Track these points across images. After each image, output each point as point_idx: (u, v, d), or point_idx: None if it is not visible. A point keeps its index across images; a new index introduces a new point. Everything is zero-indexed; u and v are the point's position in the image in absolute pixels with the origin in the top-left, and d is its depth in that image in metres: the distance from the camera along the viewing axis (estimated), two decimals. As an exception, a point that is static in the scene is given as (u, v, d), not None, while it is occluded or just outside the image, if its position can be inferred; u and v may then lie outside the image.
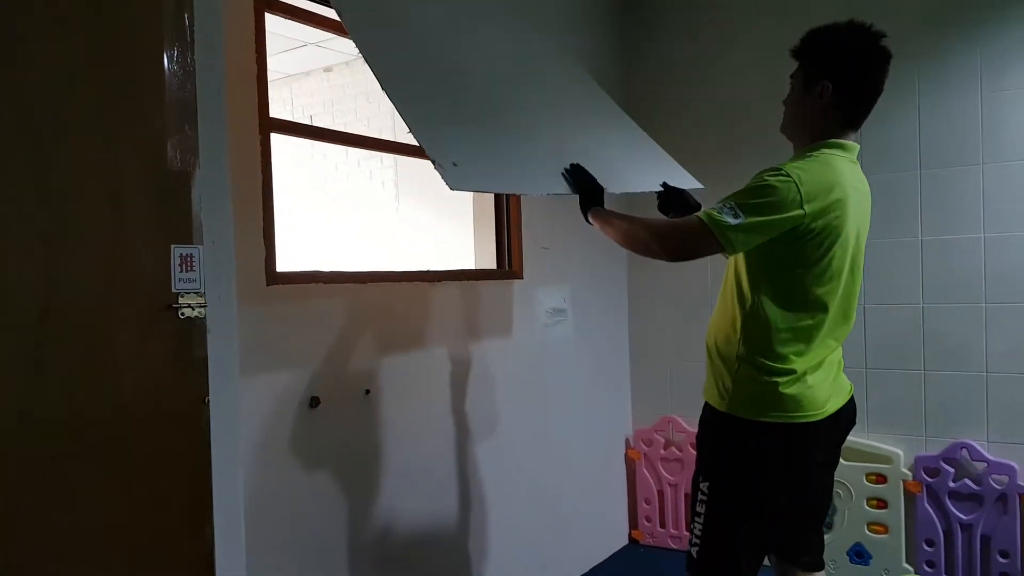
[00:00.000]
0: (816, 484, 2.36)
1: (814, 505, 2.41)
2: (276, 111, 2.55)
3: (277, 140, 2.52)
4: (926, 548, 3.57)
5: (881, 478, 3.66)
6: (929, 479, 3.56)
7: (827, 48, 2.17)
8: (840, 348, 2.29)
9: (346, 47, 5.62)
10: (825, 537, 3.65)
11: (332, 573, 2.65)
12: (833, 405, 2.20)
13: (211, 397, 1.83)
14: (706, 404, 2.30)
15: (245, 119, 2.38)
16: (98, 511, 1.65)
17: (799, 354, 2.12)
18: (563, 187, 2.45)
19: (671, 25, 4.30)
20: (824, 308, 2.13)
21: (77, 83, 1.62)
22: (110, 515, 1.66)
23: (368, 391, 2.77)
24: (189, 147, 1.80)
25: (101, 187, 1.65)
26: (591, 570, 4.06)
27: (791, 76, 2.26)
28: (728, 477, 2.19)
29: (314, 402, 2.57)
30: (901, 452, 3.64)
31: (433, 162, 2.04)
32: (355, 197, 6.13)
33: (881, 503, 3.66)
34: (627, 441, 4.44)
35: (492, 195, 3.56)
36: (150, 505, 1.74)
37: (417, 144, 2.14)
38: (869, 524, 3.69)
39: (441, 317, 3.12)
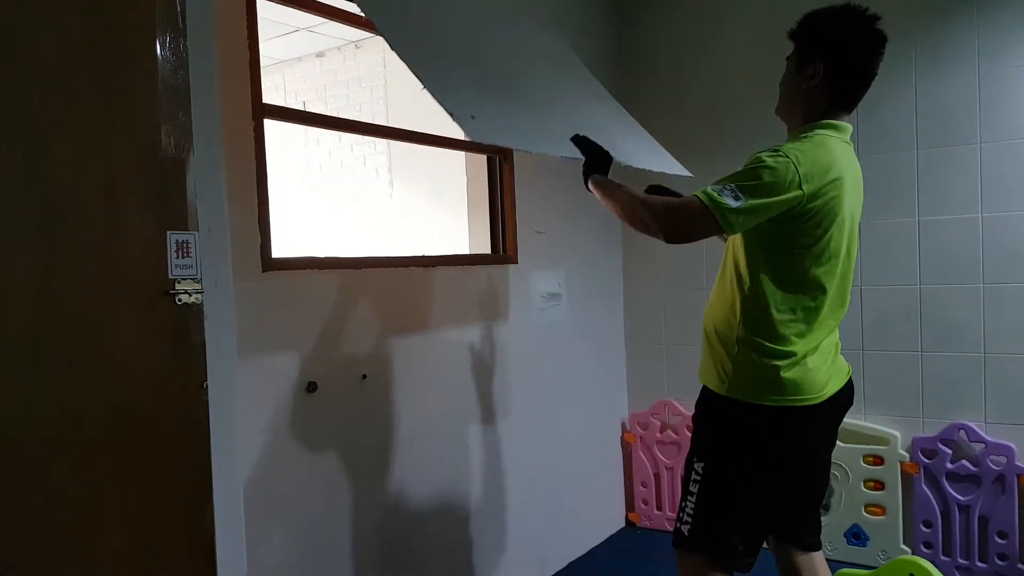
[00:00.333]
0: (815, 466, 2.37)
1: (813, 487, 2.42)
2: (269, 97, 2.54)
3: (270, 126, 2.51)
4: (923, 529, 3.58)
5: (878, 460, 3.67)
6: (926, 460, 3.57)
7: (822, 30, 2.18)
8: (837, 330, 2.29)
9: (338, 32, 5.60)
10: (823, 519, 3.68)
11: (332, 557, 2.66)
12: (832, 387, 2.21)
13: (209, 382, 1.83)
14: (704, 387, 2.30)
15: (238, 105, 2.36)
16: (98, 498, 1.64)
17: (800, 336, 2.12)
18: (575, 152, 2.43)
19: (663, 7, 4.28)
20: (823, 289, 2.13)
21: (71, 71, 1.61)
22: (110, 501, 1.66)
23: (365, 376, 2.77)
24: (183, 134, 1.79)
25: (96, 175, 1.64)
26: (588, 552, 4.08)
27: (787, 58, 2.27)
28: (726, 459, 2.20)
29: (311, 387, 2.56)
30: (898, 434, 3.65)
31: (451, 115, 2.03)
32: (349, 183, 6.11)
33: (878, 485, 3.67)
34: (623, 424, 4.45)
35: (486, 178, 3.55)
36: (150, 491, 1.73)
37: (433, 100, 2.12)
38: (866, 506, 3.70)
39: (436, 302, 3.11)
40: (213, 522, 1.85)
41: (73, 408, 1.59)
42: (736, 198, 1.96)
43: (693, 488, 2.23)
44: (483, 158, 3.56)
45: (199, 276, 1.79)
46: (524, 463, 3.61)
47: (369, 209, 5.93)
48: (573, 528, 3.99)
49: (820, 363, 2.17)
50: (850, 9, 2.16)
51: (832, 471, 3.70)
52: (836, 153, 2.10)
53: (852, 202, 2.16)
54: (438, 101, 2.07)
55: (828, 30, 2.17)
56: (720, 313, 2.24)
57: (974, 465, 3.47)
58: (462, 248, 3.61)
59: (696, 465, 2.23)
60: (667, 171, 2.89)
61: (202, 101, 1.86)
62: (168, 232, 1.74)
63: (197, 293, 1.78)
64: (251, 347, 2.37)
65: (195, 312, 1.79)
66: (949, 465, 3.52)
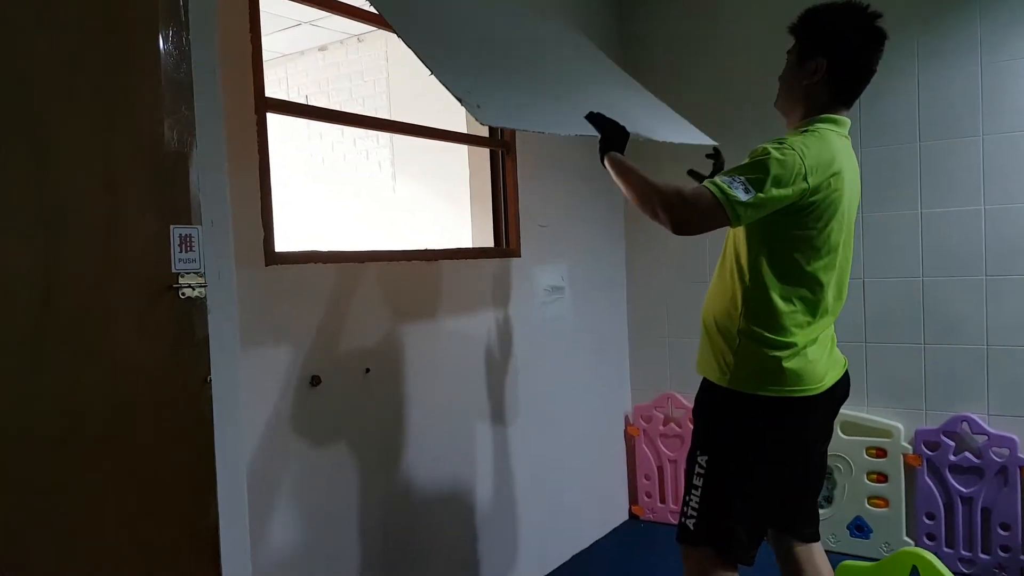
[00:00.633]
0: (813, 457, 2.38)
1: (811, 478, 2.43)
2: (271, 91, 2.53)
3: (273, 120, 2.51)
4: (926, 521, 3.59)
5: (881, 452, 3.67)
6: (929, 452, 3.57)
7: (823, 26, 2.19)
8: (833, 323, 2.30)
9: (340, 26, 5.59)
10: (826, 511, 3.69)
11: (336, 551, 2.66)
12: (831, 379, 2.22)
13: (213, 376, 1.83)
14: (704, 380, 2.30)
15: (241, 99, 2.36)
16: (101, 493, 1.65)
17: (800, 328, 2.13)
18: (589, 129, 2.42)
19: (662, 3, 4.27)
20: (822, 282, 2.15)
21: (72, 66, 1.61)
22: (113, 497, 1.67)
23: (368, 370, 2.77)
24: (186, 128, 1.79)
25: (98, 170, 1.64)
26: (592, 545, 4.08)
27: (788, 52, 2.28)
28: (728, 451, 2.20)
29: (315, 381, 2.57)
30: (901, 426, 3.65)
31: (460, 100, 2.02)
32: (352, 177, 6.11)
33: (881, 477, 3.68)
34: (626, 418, 4.46)
35: (488, 172, 3.54)
36: (153, 488, 1.74)
37: (443, 86, 2.10)
38: (869, 498, 3.70)
39: (439, 296, 3.11)
40: (217, 519, 1.86)
41: (75, 405, 1.60)
42: (746, 191, 1.96)
43: (697, 482, 2.23)
44: (486, 152, 3.55)
45: (202, 270, 1.79)
46: (527, 456, 3.61)
47: (372, 203, 5.94)
48: (576, 521, 4.00)
49: (819, 354, 2.18)
50: (852, 6, 2.17)
51: (835, 463, 3.71)
52: (837, 147, 2.11)
53: (850, 196, 2.18)
54: (445, 86, 2.06)
55: (830, 26, 2.18)
56: (720, 305, 2.24)
57: (977, 457, 3.47)
58: (465, 242, 3.61)
59: (699, 459, 2.24)
60: (690, 142, 2.87)
61: (205, 95, 1.86)
62: (171, 226, 1.74)
63: (200, 287, 1.78)
64: (254, 341, 2.37)
65: (198, 306, 1.79)
66: (952, 457, 3.52)
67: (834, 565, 2.48)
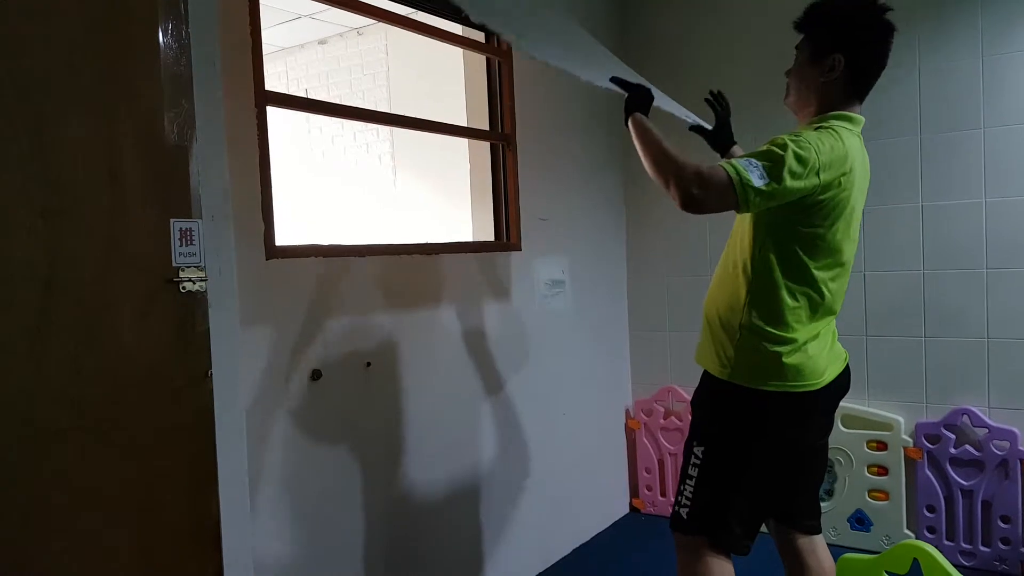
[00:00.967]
0: (812, 451, 2.37)
1: (811, 471, 2.43)
2: (271, 85, 2.53)
3: (273, 114, 2.50)
4: (927, 514, 3.59)
5: (882, 445, 3.67)
6: (930, 445, 3.57)
7: (838, 22, 2.15)
8: (835, 318, 2.29)
9: (340, 19, 5.59)
10: (826, 504, 3.70)
11: (337, 544, 2.66)
12: (831, 374, 2.21)
13: (213, 370, 1.83)
14: (704, 372, 2.30)
15: (240, 93, 2.36)
16: (103, 485, 1.65)
17: (801, 323, 2.12)
18: (616, 88, 2.41)
19: (664, 2, 4.27)
20: (826, 280, 2.14)
21: (74, 59, 1.61)
22: (115, 490, 1.67)
23: (369, 364, 2.77)
24: (186, 121, 1.79)
25: (100, 163, 1.64)
26: (593, 538, 4.09)
27: (796, 48, 2.25)
28: (724, 443, 2.20)
29: (316, 375, 2.57)
30: (902, 419, 3.65)
31: (498, 36, 2.02)
32: (352, 170, 6.11)
33: (882, 470, 3.68)
34: (627, 411, 4.46)
35: (489, 165, 3.54)
36: (155, 479, 1.74)
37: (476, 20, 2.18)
38: (870, 491, 3.70)
39: (439, 290, 3.11)
40: (219, 511, 1.86)
41: (76, 398, 1.60)
42: (761, 177, 1.93)
43: (692, 472, 2.24)
44: (486, 145, 3.55)
45: (203, 264, 1.79)
46: (528, 450, 3.61)
47: (372, 196, 5.93)
48: (577, 515, 4.00)
49: (820, 350, 2.18)
50: None
51: (835, 456, 3.71)
52: (851, 145, 2.08)
53: (859, 196, 2.16)
54: (483, 23, 2.10)
55: (845, 21, 2.14)
56: (723, 298, 2.24)
57: (977, 450, 3.47)
58: (465, 235, 3.61)
59: (696, 449, 2.24)
60: (688, 120, 2.83)
61: (205, 89, 1.86)
62: (171, 220, 1.75)
63: (201, 281, 1.78)
64: (255, 334, 2.37)
65: (199, 300, 1.79)
66: (952, 450, 3.52)
67: (834, 558, 2.48)
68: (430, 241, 3.11)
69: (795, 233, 2.08)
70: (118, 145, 1.67)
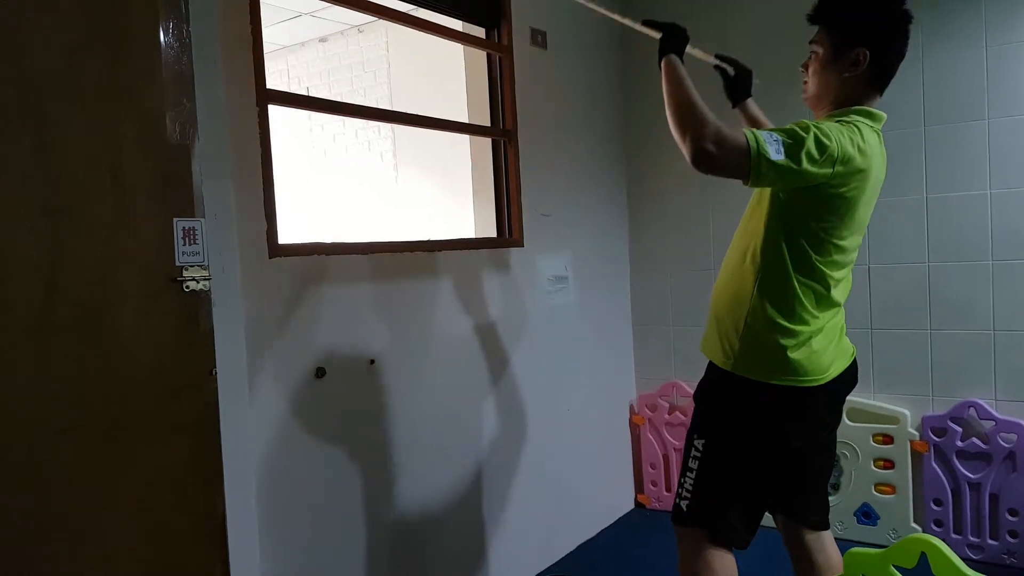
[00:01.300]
0: (816, 446, 2.36)
1: (817, 466, 2.41)
2: (273, 83, 2.53)
3: (275, 112, 2.50)
4: (934, 507, 3.58)
5: (888, 438, 3.66)
6: (936, 439, 3.57)
7: (860, 14, 2.11)
8: (843, 312, 2.28)
9: (340, 16, 5.58)
10: (833, 498, 3.69)
11: (342, 541, 2.66)
12: (836, 369, 2.19)
13: (218, 369, 1.83)
14: (709, 363, 2.29)
15: (242, 91, 2.35)
16: (107, 484, 1.65)
17: (807, 318, 2.11)
18: (650, 31, 2.37)
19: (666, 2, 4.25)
20: (832, 275, 2.12)
21: (75, 59, 1.61)
22: (120, 488, 1.67)
23: (372, 361, 2.77)
24: (188, 120, 1.79)
25: (102, 162, 1.64)
26: (598, 534, 4.08)
27: (812, 42, 2.20)
28: (725, 436, 2.19)
29: (320, 373, 2.57)
30: (908, 412, 3.64)
31: None
32: (354, 168, 6.11)
33: (888, 463, 3.67)
34: (631, 407, 4.45)
35: (491, 161, 3.54)
36: (160, 478, 1.74)
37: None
38: (876, 485, 3.70)
39: (442, 287, 3.11)
40: (225, 509, 1.86)
41: (81, 397, 1.60)
42: (778, 152, 1.89)
43: (692, 464, 2.23)
44: (488, 141, 3.54)
45: (206, 263, 1.79)
46: (533, 446, 3.61)
47: (374, 194, 5.93)
48: (582, 510, 4.00)
49: (825, 344, 2.16)
50: None
51: (842, 450, 3.70)
52: (869, 144, 2.04)
53: (869, 197, 2.12)
54: None
55: (869, 14, 2.11)
56: (730, 289, 2.22)
57: (984, 443, 3.46)
58: (468, 232, 3.61)
59: (696, 442, 2.23)
60: (711, 62, 2.76)
61: (206, 87, 1.86)
62: (174, 219, 1.74)
63: (204, 280, 1.78)
64: (259, 333, 2.36)
65: (203, 299, 1.79)
66: (959, 443, 3.52)
67: (841, 552, 2.47)
68: (433, 238, 3.11)
69: (805, 227, 2.05)
70: (120, 144, 1.67)
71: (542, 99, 3.70)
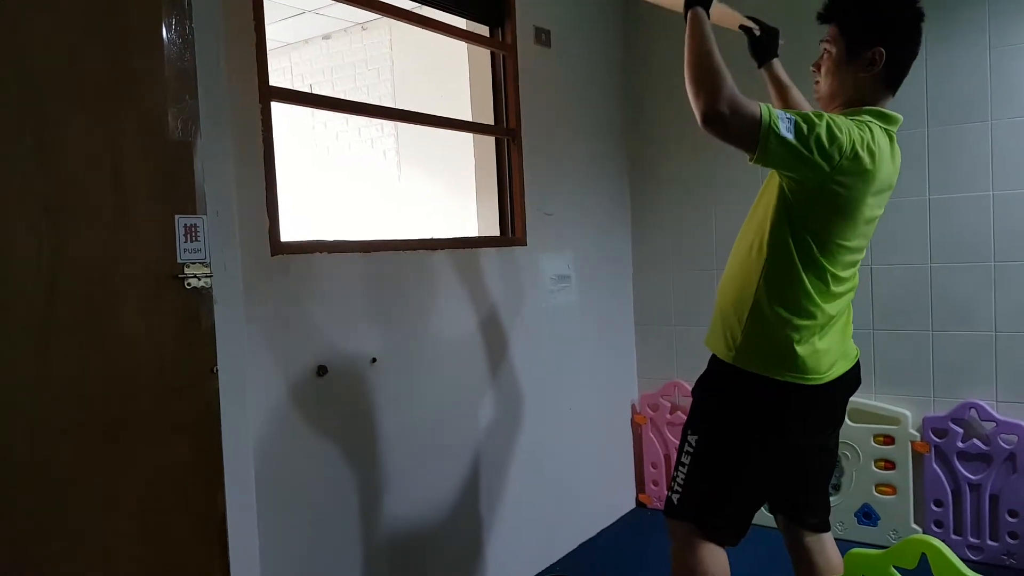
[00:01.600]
0: (818, 446, 2.35)
1: (817, 467, 2.40)
2: (276, 80, 2.52)
3: (278, 109, 2.50)
4: (934, 508, 3.58)
5: (889, 439, 3.66)
6: (937, 440, 3.56)
7: (875, 13, 2.10)
8: (850, 314, 2.27)
9: (344, 14, 5.58)
10: (833, 498, 3.68)
11: (342, 540, 2.66)
12: (837, 370, 2.18)
13: (219, 366, 1.83)
14: (711, 358, 2.29)
15: (245, 88, 2.35)
16: (108, 483, 1.65)
17: (812, 311, 2.09)
18: None
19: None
20: (837, 274, 2.11)
21: (76, 55, 1.61)
22: (120, 486, 1.67)
23: (374, 359, 2.77)
24: (190, 117, 1.79)
25: (104, 158, 1.64)
26: (598, 533, 4.08)
27: (824, 41, 2.18)
28: (718, 434, 2.19)
29: (321, 371, 2.57)
30: (909, 413, 3.63)
31: None
32: (357, 165, 6.11)
33: (889, 464, 3.67)
34: (633, 406, 4.45)
35: (494, 160, 3.54)
36: (161, 476, 1.74)
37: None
38: (877, 485, 3.69)
39: (445, 285, 3.11)
40: (225, 507, 1.86)
41: (82, 395, 1.60)
42: (788, 130, 1.87)
43: (684, 459, 2.23)
44: (491, 140, 3.54)
45: (208, 260, 1.79)
46: (534, 445, 3.61)
47: (377, 191, 5.93)
48: (583, 509, 4.00)
49: (829, 344, 2.15)
50: None
51: (842, 451, 3.70)
52: (880, 147, 2.03)
53: (876, 201, 2.11)
54: None
55: (884, 13, 2.09)
56: (736, 281, 2.20)
57: (985, 444, 3.46)
58: (470, 230, 3.60)
59: (689, 437, 2.23)
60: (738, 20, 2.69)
61: (209, 84, 1.85)
62: (176, 216, 1.74)
63: (206, 277, 1.78)
64: (260, 331, 2.36)
65: (204, 296, 1.79)
66: (960, 444, 3.51)
67: (841, 553, 2.47)
68: (435, 236, 3.11)
69: (809, 224, 2.04)
70: (121, 141, 1.67)
71: (545, 98, 3.70)
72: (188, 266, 1.75)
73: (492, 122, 3.51)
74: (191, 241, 1.75)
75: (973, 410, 3.49)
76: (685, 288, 4.29)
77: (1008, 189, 3.40)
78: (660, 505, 4.33)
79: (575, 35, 3.94)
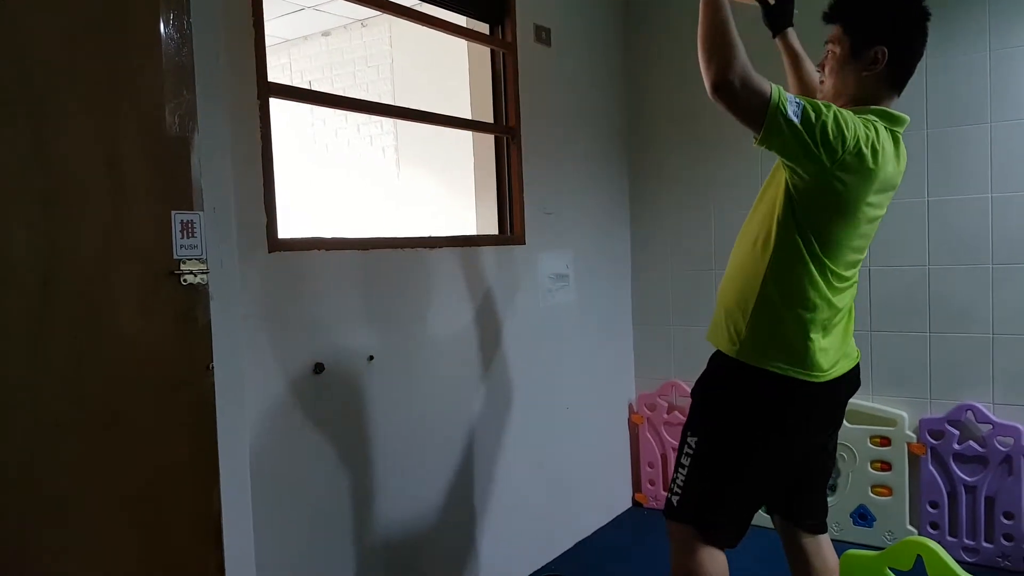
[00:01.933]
0: (817, 447, 2.35)
1: (815, 468, 2.40)
2: (274, 77, 2.52)
3: (276, 106, 2.49)
4: (930, 510, 3.58)
5: (885, 441, 3.66)
6: (934, 441, 3.56)
7: (878, 12, 2.10)
8: (852, 316, 2.27)
9: (344, 10, 5.57)
10: (829, 499, 3.68)
11: (338, 536, 2.66)
12: (839, 370, 2.18)
13: (215, 363, 1.83)
14: (711, 357, 2.28)
15: (243, 84, 2.34)
16: (104, 478, 1.64)
17: (817, 304, 2.08)
18: None
19: (668, 5, 4.24)
20: (840, 272, 2.10)
21: (74, 49, 1.60)
22: (115, 481, 1.66)
23: (371, 357, 2.77)
24: (188, 112, 1.78)
25: (100, 154, 1.63)
26: (595, 532, 4.08)
27: (828, 41, 2.18)
28: (721, 432, 2.18)
29: (318, 368, 2.56)
30: (905, 414, 3.63)
31: None
32: (355, 162, 6.10)
33: (885, 465, 3.67)
34: (630, 406, 4.45)
35: (493, 158, 3.54)
36: (156, 473, 1.73)
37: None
38: (873, 486, 3.69)
39: (443, 283, 3.10)
40: (220, 505, 1.86)
41: (77, 390, 1.59)
42: (796, 113, 1.87)
43: (684, 461, 2.22)
44: (491, 138, 3.54)
45: (204, 256, 1.78)
46: (531, 444, 3.61)
47: (375, 189, 5.93)
48: (580, 508, 3.99)
49: (832, 343, 2.15)
50: None
51: (839, 452, 3.69)
52: (884, 148, 2.02)
53: (878, 200, 2.10)
54: None
55: (887, 12, 2.09)
56: (740, 276, 2.18)
57: (981, 446, 3.46)
58: (469, 229, 3.60)
59: (689, 439, 2.22)
60: None
61: (207, 79, 1.85)
62: (173, 212, 1.73)
63: (202, 273, 1.77)
64: (257, 328, 2.36)
65: (200, 292, 1.78)
66: (956, 446, 3.51)
67: (837, 554, 2.47)
68: (434, 234, 3.10)
69: (810, 221, 2.04)
70: (118, 136, 1.66)
71: (545, 96, 3.69)
72: (184, 262, 1.74)
73: (492, 120, 3.51)
74: (188, 237, 1.75)
75: (970, 412, 3.49)
76: (683, 288, 4.29)
77: (1007, 192, 3.40)
78: (656, 504, 4.33)
79: (575, 34, 3.93)
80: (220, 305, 1.84)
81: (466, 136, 3.70)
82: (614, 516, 4.29)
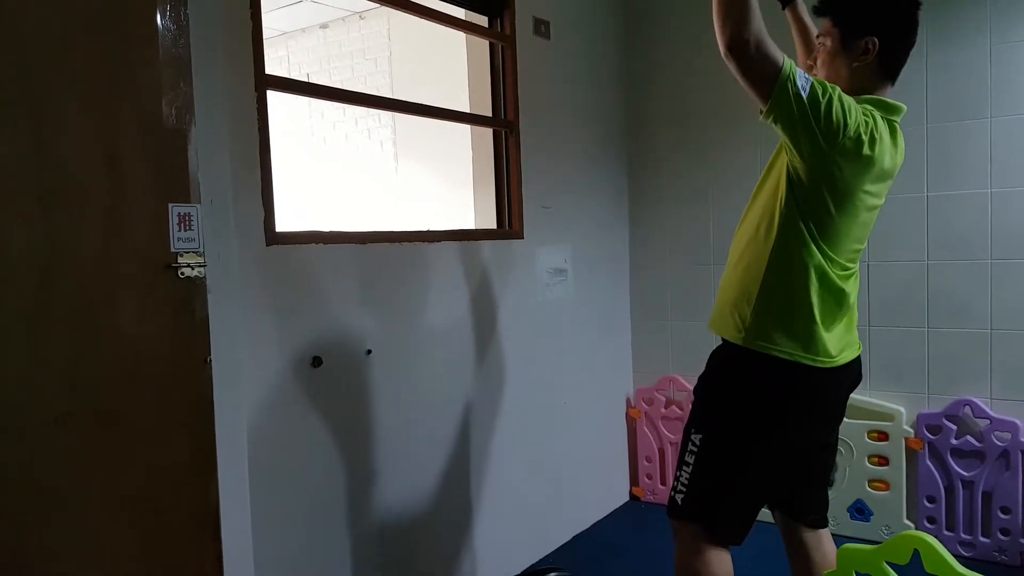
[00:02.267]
0: (820, 442, 2.35)
1: (817, 463, 2.40)
2: (272, 69, 2.51)
3: (274, 98, 2.48)
4: (927, 504, 3.58)
5: (883, 435, 3.66)
6: (931, 436, 3.57)
7: (867, 2, 2.11)
8: (855, 306, 2.26)
9: (342, 3, 5.56)
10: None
11: (335, 531, 2.66)
12: (845, 357, 2.18)
13: (213, 357, 1.82)
14: (713, 352, 2.27)
15: (241, 76, 2.34)
16: (100, 473, 1.64)
17: (821, 289, 2.08)
18: None
19: (670, 8, 4.23)
20: (841, 261, 2.10)
21: (71, 42, 1.59)
22: (112, 476, 1.66)
23: (369, 351, 2.76)
24: (185, 104, 1.77)
25: (97, 147, 1.62)
26: (592, 526, 4.09)
27: (819, 35, 2.19)
28: (725, 427, 2.17)
29: (316, 362, 2.56)
30: (903, 409, 3.64)
31: None
32: (354, 156, 6.09)
33: (883, 460, 3.67)
34: (628, 400, 4.45)
35: (491, 152, 3.53)
36: (154, 467, 1.73)
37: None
38: (870, 481, 3.70)
39: (441, 277, 3.10)
40: (218, 499, 1.85)
41: (74, 384, 1.58)
42: (803, 88, 1.87)
43: (688, 459, 2.22)
44: (489, 132, 3.53)
45: (202, 249, 1.78)
46: (529, 438, 3.61)
47: (373, 182, 5.92)
48: (577, 502, 4.00)
49: (836, 331, 2.15)
50: None
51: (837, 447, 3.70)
52: (881, 136, 2.03)
53: (876, 190, 2.10)
54: None
55: (876, 2, 2.10)
56: (743, 263, 2.17)
57: (978, 441, 3.47)
58: (468, 223, 3.59)
59: (693, 436, 2.22)
60: None
61: (204, 72, 1.84)
62: (170, 204, 1.73)
63: (200, 267, 1.77)
64: (255, 321, 2.36)
65: (198, 286, 1.78)
66: (954, 441, 3.52)
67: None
68: (432, 228, 3.10)
69: (810, 209, 2.04)
70: (116, 129, 1.65)
71: (544, 90, 3.69)
72: (182, 255, 1.73)
73: (490, 114, 3.50)
74: (185, 230, 1.74)
75: (967, 407, 3.49)
76: (682, 283, 4.29)
77: (1006, 187, 3.40)
78: (654, 498, 4.34)
79: (575, 27, 3.92)
80: (218, 298, 1.84)
81: (464, 130, 3.70)
82: (612, 510, 4.30)
